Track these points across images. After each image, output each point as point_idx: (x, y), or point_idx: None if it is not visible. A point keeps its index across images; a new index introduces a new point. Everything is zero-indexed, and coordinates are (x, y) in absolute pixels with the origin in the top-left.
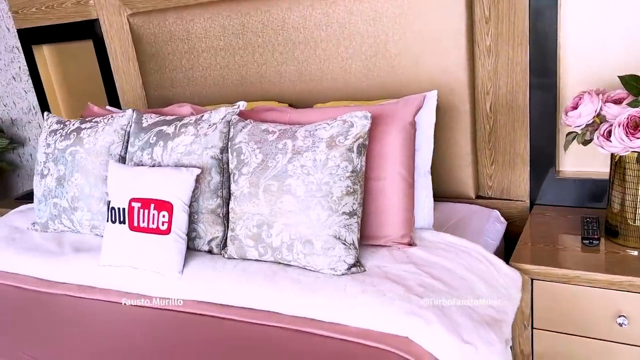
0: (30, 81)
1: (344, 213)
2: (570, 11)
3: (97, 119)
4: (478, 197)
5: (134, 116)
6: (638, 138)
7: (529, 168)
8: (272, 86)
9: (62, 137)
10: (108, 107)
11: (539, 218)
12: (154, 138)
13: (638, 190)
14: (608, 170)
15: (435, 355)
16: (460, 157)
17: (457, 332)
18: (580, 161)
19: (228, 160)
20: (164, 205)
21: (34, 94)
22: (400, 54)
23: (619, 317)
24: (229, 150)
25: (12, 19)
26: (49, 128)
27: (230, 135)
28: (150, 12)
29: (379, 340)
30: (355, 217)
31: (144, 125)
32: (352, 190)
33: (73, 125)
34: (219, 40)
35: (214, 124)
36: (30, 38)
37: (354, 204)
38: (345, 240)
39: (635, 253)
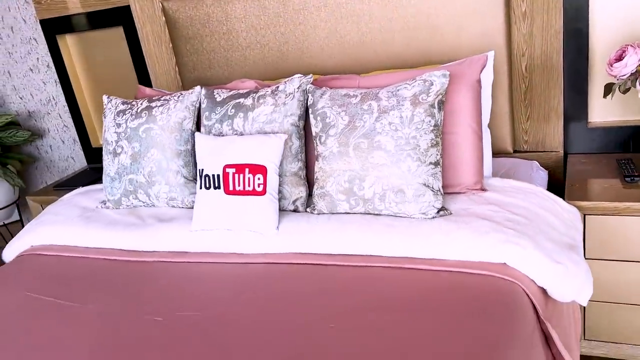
0: (49, 72)
1: (430, 163)
2: None
3: (166, 97)
4: (515, 151)
5: (204, 92)
6: None
7: (562, 121)
8: (314, 61)
9: (133, 116)
10: (156, 89)
11: (576, 165)
12: (232, 110)
13: None
14: (634, 118)
15: (531, 276)
16: (500, 115)
17: (549, 255)
18: (608, 112)
19: (305, 126)
20: (259, 169)
21: (53, 85)
22: (443, 23)
23: None
24: (311, 115)
25: (34, 10)
26: (116, 109)
27: (311, 102)
28: None
29: (479, 268)
30: (439, 166)
31: (217, 99)
32: (435, 142)
33: (141, 104)
34: (259, 19)
35: (291, 93)
36: (53, 28)
37: (437, 154)
38: (433, 187)
39: None
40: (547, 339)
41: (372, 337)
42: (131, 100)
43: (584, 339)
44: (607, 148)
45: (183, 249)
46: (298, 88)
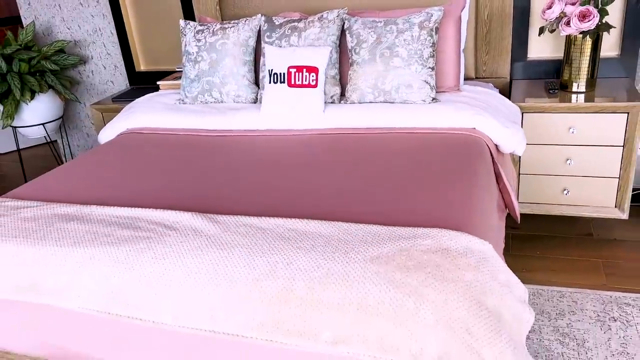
0: (97, 7)
1: (429, 67)
2: None
3: (236, 21)
4: (476, 77)
5: (264, 19)
6: (586, 22)
7: (510, 56)
8: (335, 3)
9: (211, 34)
10: (210, 19)
11: (518, 85)
12: (289, 31)
13: (579, 60)
14: (559, 55)
15: (490, 135)
16: (468, 50)
17: (501, 123)
18: (541, 50)
19: (341, 43)
20: (313, 69)
21: (101, 17)
22: None
23: (570, 128)
24: (348, 35)
25: None
26: (195, 29)
27: (347, 26)
28: None
29: (459, 130)
30: (434, 70)
31: (276, 23)
32: (432, 54)
33: (216, 26)
34: None
35: (332, 19)
36: None
37: (433, 62)
38: (430, 84)
39: (576, 95)
40: (497, 178)
41: (398, 165)
42: (205, 23)
43: (519, 202)
44: (540, 75)
45: (253, 127)
46: (337, 16)
